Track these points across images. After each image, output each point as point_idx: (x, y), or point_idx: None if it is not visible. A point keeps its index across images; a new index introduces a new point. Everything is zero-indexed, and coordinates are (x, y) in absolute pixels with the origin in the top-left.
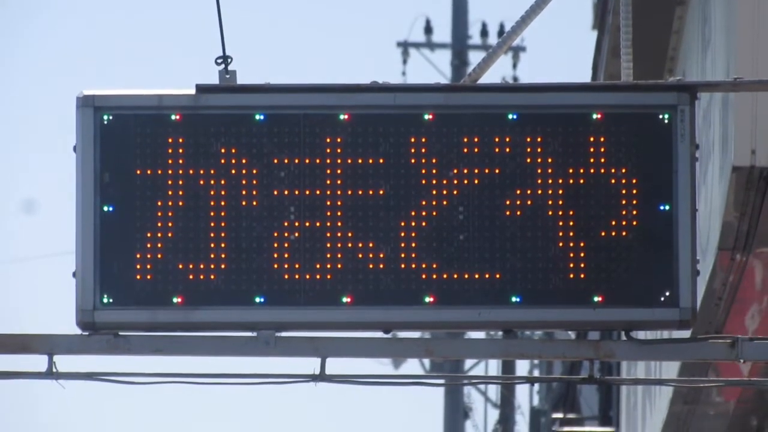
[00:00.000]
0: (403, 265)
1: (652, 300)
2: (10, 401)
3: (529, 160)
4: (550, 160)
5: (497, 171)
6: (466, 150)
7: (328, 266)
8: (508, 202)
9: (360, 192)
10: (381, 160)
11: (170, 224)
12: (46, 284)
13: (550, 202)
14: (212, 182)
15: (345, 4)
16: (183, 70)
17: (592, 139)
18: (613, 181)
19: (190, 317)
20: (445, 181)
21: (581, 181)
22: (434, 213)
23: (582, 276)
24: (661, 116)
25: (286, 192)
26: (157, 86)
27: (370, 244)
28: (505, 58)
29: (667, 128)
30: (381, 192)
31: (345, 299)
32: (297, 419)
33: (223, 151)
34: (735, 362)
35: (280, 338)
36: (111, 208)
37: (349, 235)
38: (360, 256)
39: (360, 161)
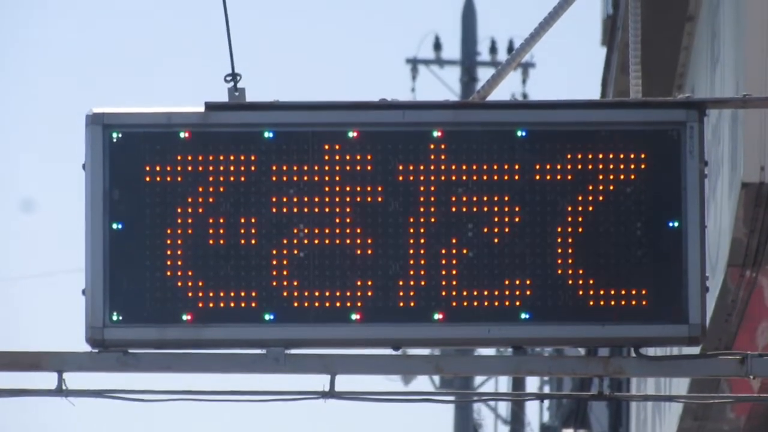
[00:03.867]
0: (412, 282)
1: (662, 316)
2: (20, 419)
3: (538, 177)
4: (559, 177)
5: (506, 188)
6: (475, 167)
7: (338, 283)
8: (517, 219)
9: (369, 209)
10: (390, 177)
11: (179, 241)
12: (55, 302)
13: (559, 219)
14: (221, 199)
15: (354, 21)
16: (192, 88)
17: (601, 155)
18: (622, 197)
19: (200, 335)
20: (453, 198)
21: (590, 197)
22: (443, 229)
23: (591, 292)
24: (670, 133)
25: (295, 209)
26: (165, 104)
27: (379, 261)
28: (515, 74)
29: (676, 145)
30: (390, 209)
31: (354, 316)
32: None
33: (232, 168)
34: (745, 378)
35: (289, 355)
36: (120, 226)
37: (358, 252)
38: (369, 272)
39: (369, 178)
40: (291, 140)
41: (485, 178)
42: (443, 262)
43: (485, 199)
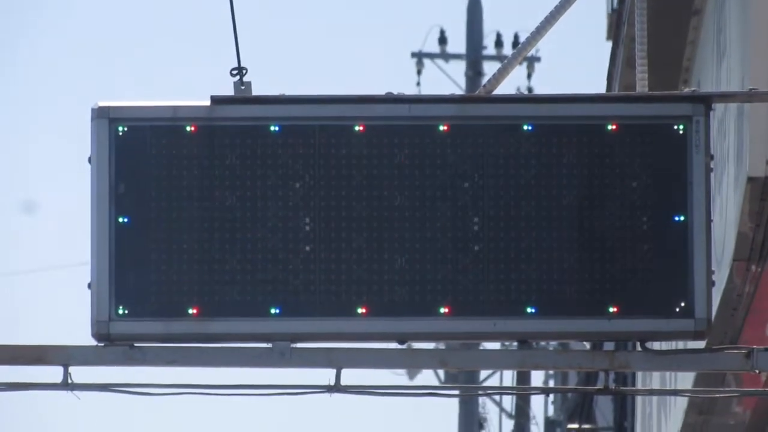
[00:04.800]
0: (417, 276)
1: (668, 310)
2: (26, 412)
3: (543, 171)
4: (564, 171)
5: (512, 182)
6: (480, 161)
7: (343, 277)
8: (522, 213)
9: (375, 203)
10: (396, 171)
11: (185, 235)
12: (61, 295)
13: (565, 213)
14: (227, 193)
15: (359, 15)
16: (197, 81)
17: (607, 149)
18: (628, 191)
19: (206, 329)
20: (459, 192)
21: (596, 191)
22: (449, 224)
23: (597, 287)
24: (676, 127)
25: (301, 203)
26: (171, 97)
27: (385, 255)
28: (520, 68)
29: (682, 139)
30: (396, 203)
31: (360, 310)
32: (312, 430)
33: (238, 162)
34: (751, 372)
35: (295, 349)
36: (126, 220)
37: (364, 246)
38: (375, 266)
39: (375, 172)
40: (297, 134)
41: (491, 172)
42: (449, 256)
43: (491, 193)
